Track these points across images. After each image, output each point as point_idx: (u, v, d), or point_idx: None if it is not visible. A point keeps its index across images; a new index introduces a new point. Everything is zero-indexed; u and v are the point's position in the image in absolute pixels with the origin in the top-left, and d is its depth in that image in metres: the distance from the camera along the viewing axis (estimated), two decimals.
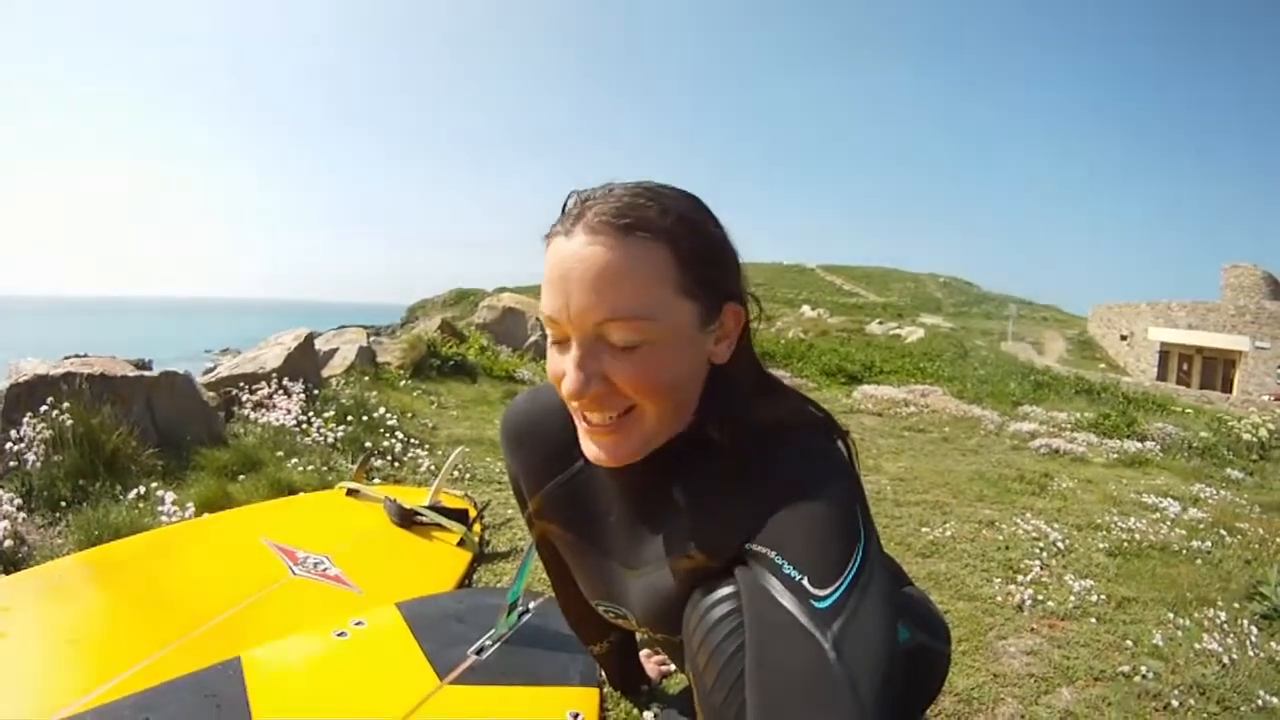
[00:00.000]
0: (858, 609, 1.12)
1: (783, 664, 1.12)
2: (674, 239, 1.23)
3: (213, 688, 2.07)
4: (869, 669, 1.08)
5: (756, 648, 1.17)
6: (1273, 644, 3.27)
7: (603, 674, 2.37)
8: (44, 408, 4.20)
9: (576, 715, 2.11)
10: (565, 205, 1.30)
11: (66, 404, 4.22)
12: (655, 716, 2.27)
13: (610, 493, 1.54)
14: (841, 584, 1.13)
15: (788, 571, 1.17)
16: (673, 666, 2.45)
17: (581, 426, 1.34)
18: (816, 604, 1.12)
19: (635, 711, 2.35)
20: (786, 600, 1.15)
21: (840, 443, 1.40)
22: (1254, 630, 3.37)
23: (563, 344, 1.28)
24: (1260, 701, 2.77)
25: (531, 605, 2.68)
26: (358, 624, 2.47)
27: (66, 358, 5.17)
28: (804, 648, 1.10)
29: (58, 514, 3.83)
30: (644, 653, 2.47)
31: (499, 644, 2.42)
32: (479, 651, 2.36)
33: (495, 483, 5.14)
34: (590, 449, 1.34)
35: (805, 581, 1.15)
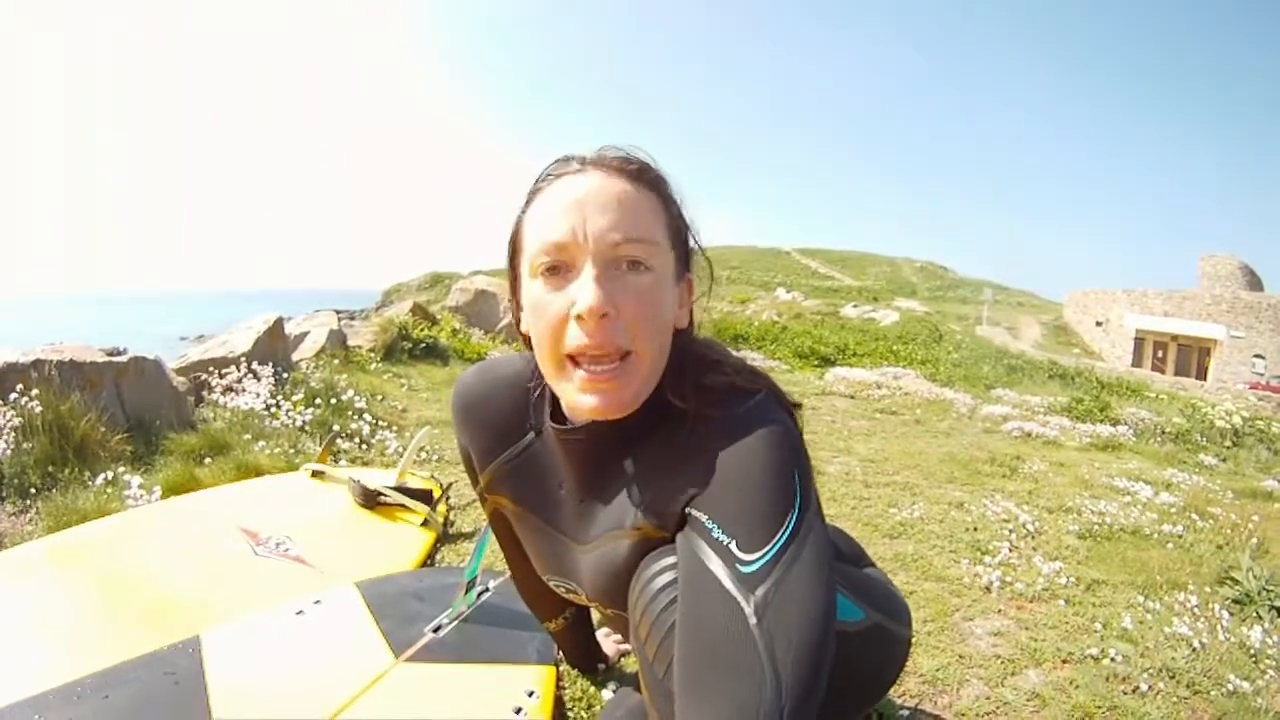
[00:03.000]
0: (785, 576, 1.13)
1: (705, 626, 1.13)
2: (664, 193, 1.33)
3: (171, 665, 2.07)
4: (789, 636, 1.09)
5: (684, 610, 1.18)
6: (1243, 629, 3.27)
7: (560, 652, 2.37)
8: (14, 395, 4.16)
9: (532, 693, 2.11)
10: (556, 164, 1.35)
11: (36, 391, 4.18)
12: (613, 694, 2.26)
13: (561, 466, 1.54)
14: (770, 550, 1.15)
15: (717, 535, 1.18)
16: (630, 644, 2.43)
17: (577, 378, 1.31)
18: (743, 568, 1.14)
19: (592, 690, 2.34)
20: (713, 564, 1.16)
21: (787, 413, 1.38)
22: (1225, 615, 3.37)
23: (562, 275, 1.27)
24: (1230, 686, 2.77)
25: (491, 584, 2.67)
26: (316, 603, 2.46)
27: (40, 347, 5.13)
28: (726, 611, 1.12)
29: (28, 501, 3.80)
30: (602, 631, 2.47)
31: (456, 622, 2.41)
32: (436, 630, 2.35)
33: (462, 463, 5.02)
34: (586, 401, 1.31)
35: (733, 546, 1.16)
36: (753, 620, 1.09)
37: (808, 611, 1.12)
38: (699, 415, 1.32)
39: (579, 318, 1.24)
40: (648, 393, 1.33)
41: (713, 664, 1.10)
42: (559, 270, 1.27)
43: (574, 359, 1.29)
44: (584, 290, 1.22)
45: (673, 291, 1.33)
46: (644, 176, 1.30)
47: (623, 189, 1.26)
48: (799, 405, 1.44)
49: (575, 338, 1.26)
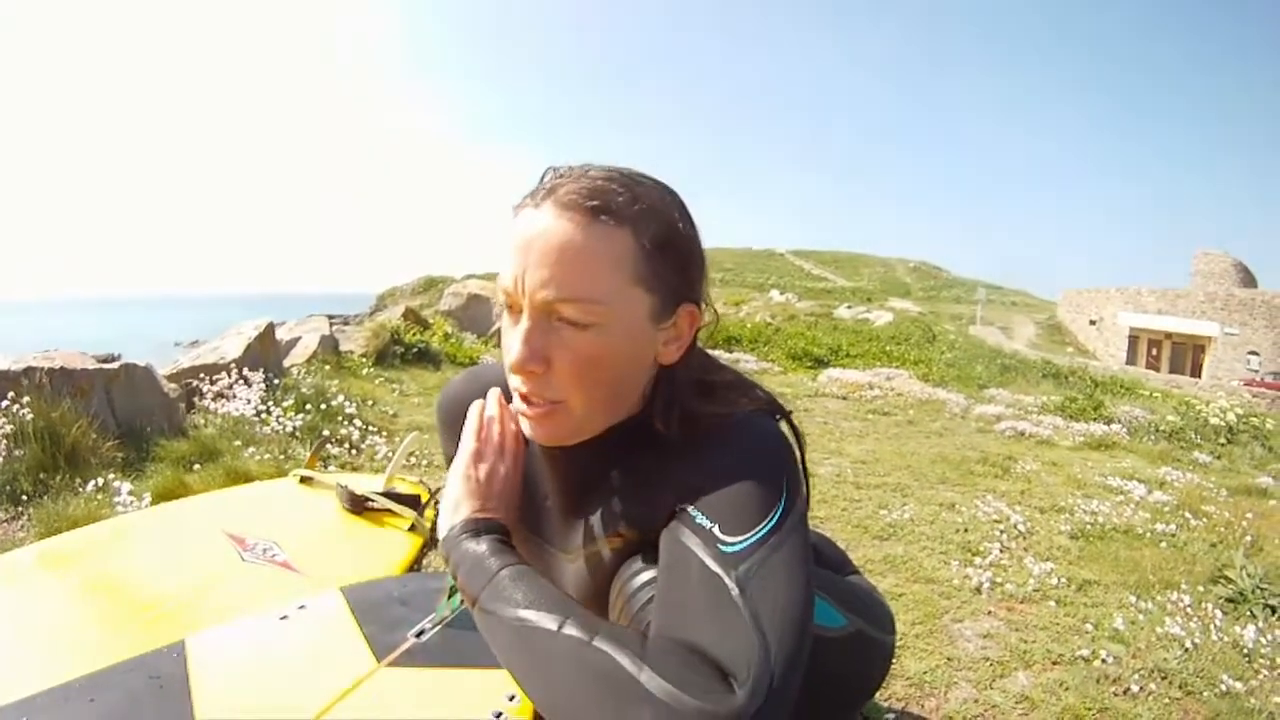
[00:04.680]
0: (768, 559, 1.12)
1: (685, 595, 1.13)
2: (639, 229, 1.22)
3: (156, 670, 2.08)
4: (772, 613, 1.07)
5: (661, 590, 1.18)
6: (1236, 628, 3.26)
7: None
8: (5, 403, 4.18)
9: (513, 697, 2.10)
10: (542, 179, 1.28)
11: (27, 398, 4.19)
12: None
13: (547, 476, 1.53)
14: (753, 536, 1.14)
15: (699, 521, 1.18)
16: None
17: (517, 404, 1.33)
18: (724, 548, 1.13)
19: None
20: (694, 545, 1.16)
21: (785, 422, 1.39)
22: (1218, 614, 3.37)
23: (515, 314, 1.26)
24: (1223, 686, 2.77)
25: None
26: (300, 607, 2.46)
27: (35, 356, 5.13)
28: (707, 584, 1.11)
29: (19, 508, 3.82)
30: None
31: (439, 627, 2.40)
32: (419, 634, 2.34)
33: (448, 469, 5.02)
34: (525, 427, 1.34)
35: (716, 529, 1.16)
36: (735, 591, 1.08)
37: (790, 593, 1.11)
38: (688, 436, 1.31)
39: (511, 368, 1.25)
40: (595, 428, 1.34)
41: (696, 622, 1.09)
42: (511, 310, 1.27)
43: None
44: (514, 345, 1.23)
45: (641, 336, 1.28)
46: (602, 216, 1.21)
47: (569, 236, 1.19)
48: (791, 412, 1.43)
49: (514, 379, 1.28)
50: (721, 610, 1.08)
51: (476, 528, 1.32)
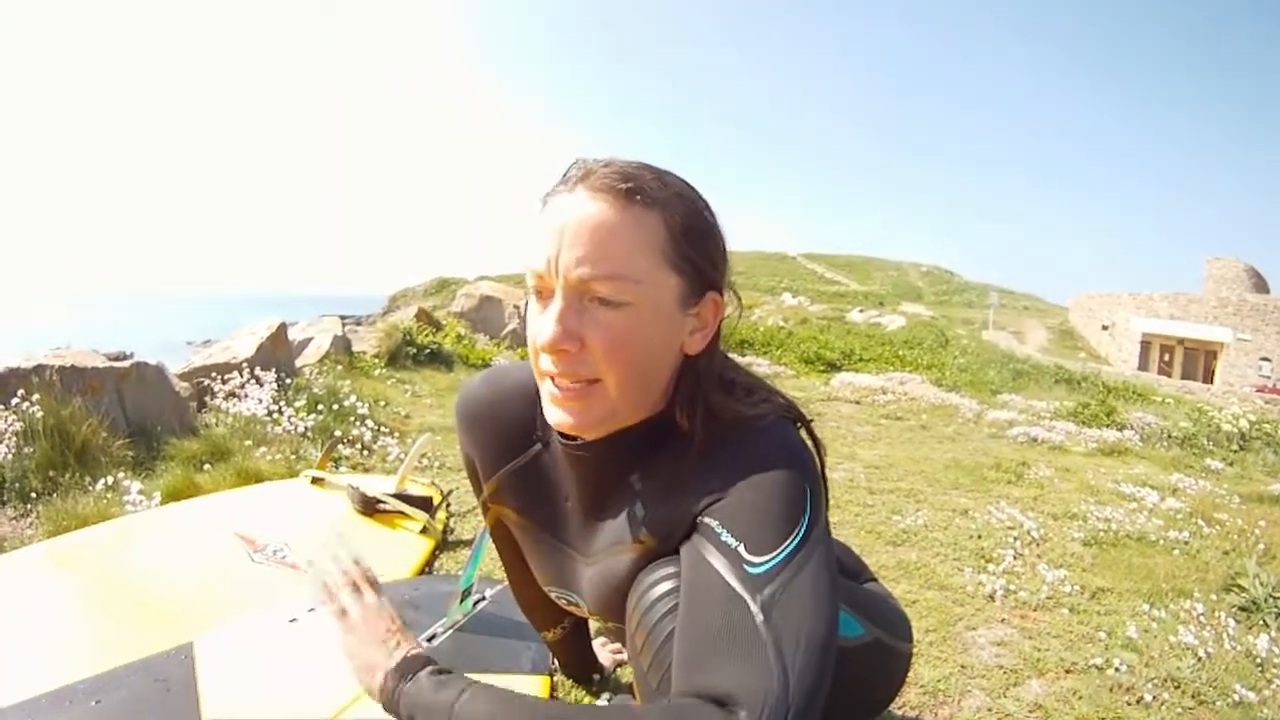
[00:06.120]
0: (791, 581, 1.13)
1: (708, 620, 1.13)
2: (669, 212, 1.25)
3: (163, 672, 2.08)
4: (796, 637, 1.08)
5: (685, 609, 1.18)
6: (1250, 637, 3.23)
7: (555, 662, 2.36)
8: (15, 400, 4.18)
9: None
10: (567, 171, 1.30)
11: (37, 396, 4.19)
12: (608, 704, 2.23)
13: (567, 478, 1.53)
14: (778, 556, 1.14)
15: (725, 538, 1.18)
16: (626, 655, 2.41)
17: (547, 392, 1.33)
18: (750, 569, 1.14)
19: (587, 699, 2.32)
20: (719, 564, 1.16)
21: (804, 429, 1.39)
22: (1231, 623, 3.33)
23: (545, 298, 1.27)
24: (1236, 696, 2.73)
25: (488, 593, 2.66)
26: (310, 610, 2.45)
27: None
28: (731, 607, 1.11)
29: (28, 505, 3.81)
30: (599, 641, 2.46)
31: (451, 631, 2.39)
32: (430, 639, 2.34)
33: (463, 470, 4.96)
34: (554, 414, 1.33)
35: (742, 549, 1.16)
36: (759, 618, 1.09)
37: (814, 616, 1.11)
38: (709, 437, 1.32)
39: (543, 347, 1.25)
40: (625, 417, 1.34)
41: (715, 654, 1.09)
42: (541, 294, 1.27)
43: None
44: (546, 324, 1.23)
45: (671, 320, 1.29)
46: (635, 198, 1.23)
47: (604, 217, 1.21)
48: (812, 419, 1.44)
49: (545, 362, 1.28)
50: (743, 637, 1.08)
51: (402, 673, 1.30)
